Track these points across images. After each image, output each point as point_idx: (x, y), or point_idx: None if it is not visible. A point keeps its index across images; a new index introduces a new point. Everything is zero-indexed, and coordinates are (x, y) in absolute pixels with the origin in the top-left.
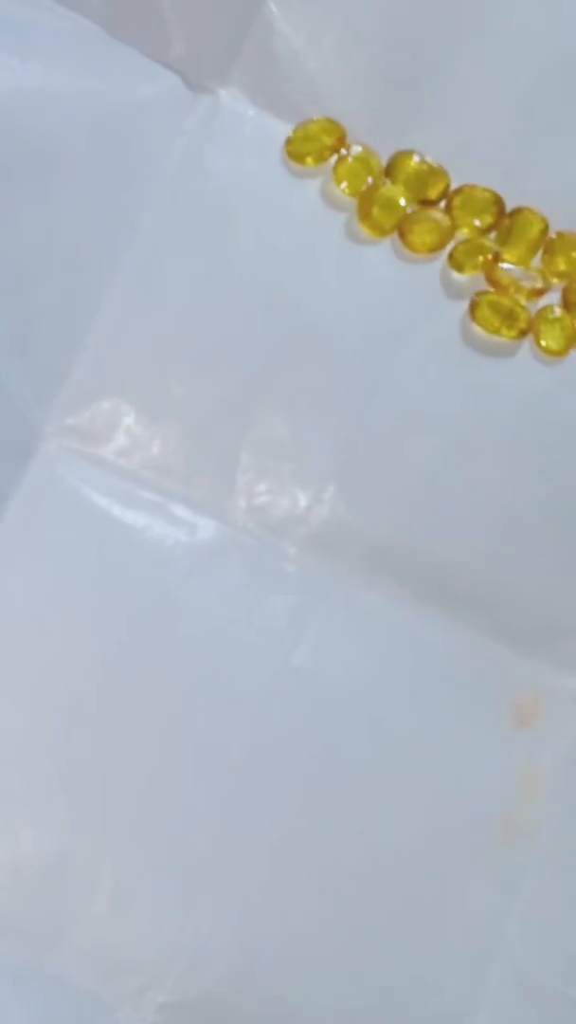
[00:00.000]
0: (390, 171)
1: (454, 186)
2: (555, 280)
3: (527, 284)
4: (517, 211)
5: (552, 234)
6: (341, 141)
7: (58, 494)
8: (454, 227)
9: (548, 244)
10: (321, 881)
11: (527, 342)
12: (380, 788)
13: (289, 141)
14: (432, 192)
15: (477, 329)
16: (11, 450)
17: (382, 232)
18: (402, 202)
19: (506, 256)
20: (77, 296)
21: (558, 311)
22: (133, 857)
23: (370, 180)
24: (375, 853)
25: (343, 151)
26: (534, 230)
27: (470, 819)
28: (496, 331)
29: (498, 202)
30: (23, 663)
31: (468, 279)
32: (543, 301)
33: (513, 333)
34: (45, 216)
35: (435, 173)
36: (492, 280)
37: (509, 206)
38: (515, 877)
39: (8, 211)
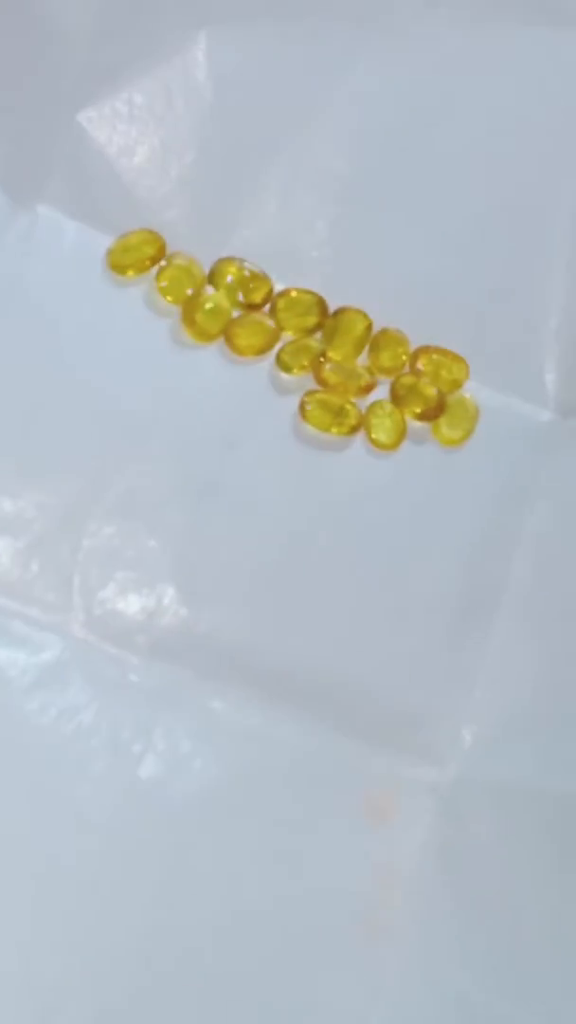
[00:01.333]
0: (212, 278)
1: (277, 289)
2: (381, 376)
3: (354, 381)
4: (340, 311)
5: (376, 331)
6: (161, 251)
7: None
8: (280, 329)
9: (373, 341)
10: (182, 994)
11: (359, 437)
12: (235, 895)
13: (110, 253)
14: (256, 296)
15: (308, 427)
16: None
17: (208, 338)
18: (226, 307)
19: (332, 355)
20: None
21: (388, 406)
22: None
23: (191, 290)
24: (235, 961)
25: (164, 261)
26: (358, 328)
27: (331, 918)
28: (327, 428)
29: (321, 303)
30: None
31: (296, 379)
32: (372, 397)
33: (344, 429)
34: None
35: (257, 278)
36: (320, 379)
37: (332, 306)
38: (378, 973)
39: None
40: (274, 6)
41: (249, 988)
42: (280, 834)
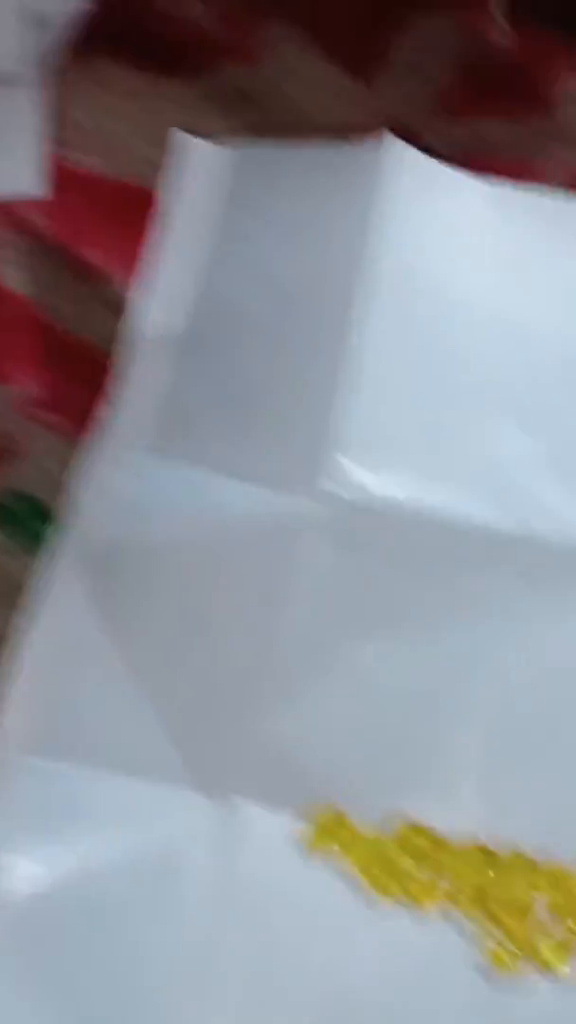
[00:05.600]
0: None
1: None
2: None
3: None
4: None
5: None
6: (347, 827)
7: None
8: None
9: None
10: None
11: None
12: None
13: (301, 833)
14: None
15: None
16: None
17: (389, 892)
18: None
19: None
20: None
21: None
22: None
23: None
24: None
25: (346, 832)
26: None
27: None
28: (513, 967)
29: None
30: None
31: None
32: None
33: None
34: None
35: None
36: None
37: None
38: None
39: None
40: None
41: None
42: None
